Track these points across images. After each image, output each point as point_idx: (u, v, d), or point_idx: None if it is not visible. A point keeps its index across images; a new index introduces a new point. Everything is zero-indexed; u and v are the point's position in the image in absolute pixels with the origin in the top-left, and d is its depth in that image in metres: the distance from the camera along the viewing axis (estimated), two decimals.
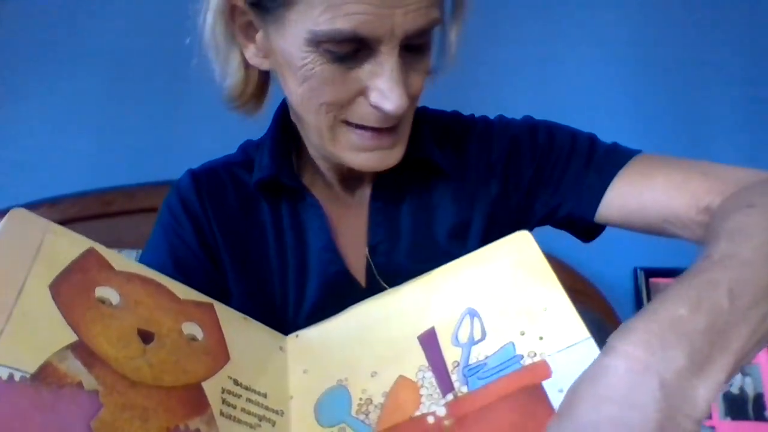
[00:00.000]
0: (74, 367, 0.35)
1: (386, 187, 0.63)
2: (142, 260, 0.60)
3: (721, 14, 1.58)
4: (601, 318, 1.35)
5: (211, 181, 0.66)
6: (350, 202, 0.65)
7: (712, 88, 1.57)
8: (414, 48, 0.50)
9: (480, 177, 0.65)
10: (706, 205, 0.52)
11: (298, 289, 0.62)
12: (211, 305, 0.47)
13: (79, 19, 1.48)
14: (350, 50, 0.47)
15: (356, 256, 0.62)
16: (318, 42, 0.47)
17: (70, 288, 0.39)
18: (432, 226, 0.63)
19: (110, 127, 1.48)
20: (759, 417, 1.31)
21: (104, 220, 1.40)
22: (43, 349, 0.35)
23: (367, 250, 0.62)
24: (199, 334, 0.43)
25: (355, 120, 0.52)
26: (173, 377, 0.39)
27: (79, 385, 0.35)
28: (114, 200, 1.44)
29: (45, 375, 0.34)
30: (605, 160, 0.62)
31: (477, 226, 0.63)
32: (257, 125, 1.64)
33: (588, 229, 0.65)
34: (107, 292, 0.40)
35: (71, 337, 0.36)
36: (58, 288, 0.38)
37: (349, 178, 0.64)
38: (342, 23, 0.45)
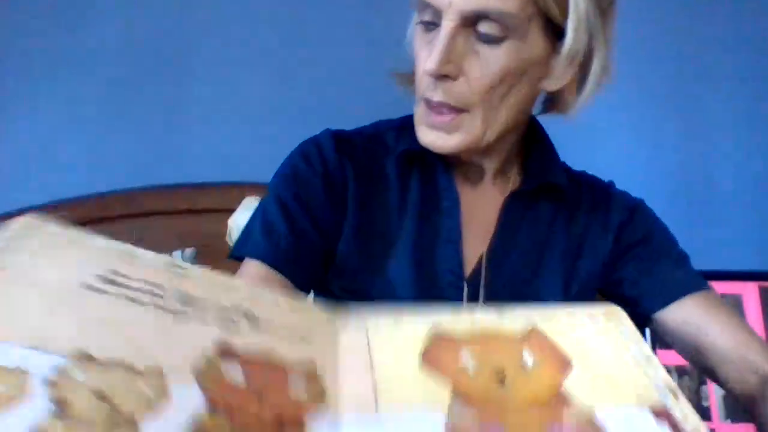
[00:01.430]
0: None
1: (521, 198, 0.69)
2: (265, 200, 0.67)
3: (721, 14, 1.58)
4: None
5: (347, 143, 0.70)
6: (479, 199, 0.70)
7: (712, 85, 1.56)
8: (486, 37, 0.57)
9: (595, 227, 0.71)
10: (764, 374, 0.61)
11: (407, 252, 0.65)
12: None
13: (75, 22, 1.49)
14: (429, 19, 0.59)
15: (470, 248, 0.67)
16: (416, 7, 0.60)
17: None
18: (543, 252, 0.69)
19: (108, 131, 1.49)
20: None
21: (103, 224, 1.38)
22: None
23: (485, 247, 0.67)
24: None
25: (422, 93, 0.61)
26: None
27: None
28: (113, 204, 1.44)
29: None
30: (692, 274, 0.70)
31: (583, 271, 0.69)
32: (256, 127, 1.52)
33: (636, 314, 0.70)
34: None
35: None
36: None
37: (471, 169, 0.69)
38: None
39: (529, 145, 0.72)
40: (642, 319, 0.71)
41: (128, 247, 0.39)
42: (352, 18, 1.55)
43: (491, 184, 0.70)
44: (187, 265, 0.41)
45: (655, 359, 0.41)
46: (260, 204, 0.68)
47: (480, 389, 0.38)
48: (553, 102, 0.67)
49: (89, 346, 0.31)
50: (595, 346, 0.42)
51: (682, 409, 0.38)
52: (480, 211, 0.69)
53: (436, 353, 0.41)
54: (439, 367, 0.40)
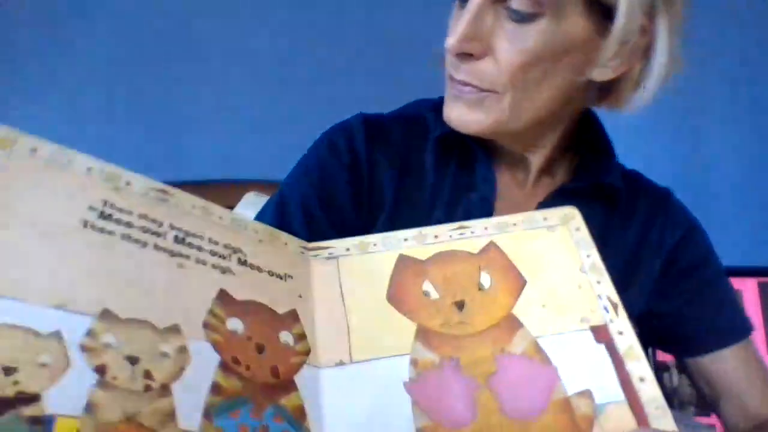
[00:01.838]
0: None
1: (567, 197, 0.60)
2: (284, 187, 0.62)
3: (720, 13, 1.51)
4: None
5: (380, 130, 0.64)
6: (520, 197, 0.64)
7: (711, 81, 1.52)
8: (517, 14, 0.51)
9: (649, 244, 0.65)
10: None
11: None
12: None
13: (76, 21, 1.45)
14: None
15: None
16: None
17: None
18: None
19: (107, 129, 1.47)
20: None
21: None
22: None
23: None
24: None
25: (447, 72, 0.57)
26: None
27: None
28: None
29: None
30: (736, 315, 0.67)
31: (633, 300, 0.62)
32: (256, 125, 1.68)
33: (666, 348, 0.71)
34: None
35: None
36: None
37: (514, 163, 0.63)
38: None
39: (582, 142, 0.65)
40: (670, 351, 0.71)
41: (110, 169, 0.37)
42: (352, 17, 1.52)
43: (536, 182, 0.64)
44: (174, 190, 0.40)
45: (603, 270, 0.45)
46: (279, 194, 0.62)
47: (441, 321, 0.42)
48: (608, 93, 0.59)
49: (110, 302, 0.31)
50: (549, 260, 0.45)
51: (620, 326, 0.42)
52: (519, 205, 0.62)
53: (401, 286, 0.44)
54: (404, 302, 0.43)
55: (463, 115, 0.56)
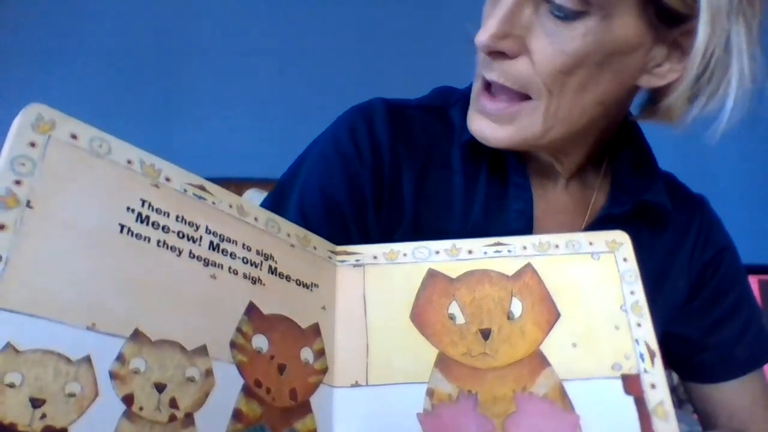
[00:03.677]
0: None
1: (609, 222, 0.56)
2: (304, 183, 0.56)
3: None
4: None
5: (403, 119, 0.58)
6: (552, 205, 0.60)
7: None
8: (560, 11, 0.45)
9: (679, 260, 0.62)
10: None
11: None
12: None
13: (74, 19, 1.48)
14: None
15: None
16: None
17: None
18: None
19: (106, 126, 1.51)
20: None
21: None
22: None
23: None
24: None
25: (478, 69, 0.52)
26: None
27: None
28: None
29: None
30: (753, 342, 0.64)
31: (659, 316, 0.57)
32: (255, 124, 1.74)
33: (678, 370, 0.69)
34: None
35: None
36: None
37: (543, 168, 0.59)
38: None
39: (619, 150, 0.61)
40: (679, 374, 0.69)
41: (149, 161, 0.35)
42: (353, 15, 1.52)
43: (564, 188, 0.61)
44: (211, 186, 0.38)
45: (646, 311, 0.41)
46: (299, 193, 0.56)
47: (463, 349, 0.40)
48: (656, 105, 0.55)
49: (142, 321, 0.30)
50: (589, 293, 0.42)
51: (653, 378, 0.39)
52: (553, 220, 0.59)
53: (426, 305, 0.42)
54: (427, 324, 0.42)
55: (487, 130, 0.52)
